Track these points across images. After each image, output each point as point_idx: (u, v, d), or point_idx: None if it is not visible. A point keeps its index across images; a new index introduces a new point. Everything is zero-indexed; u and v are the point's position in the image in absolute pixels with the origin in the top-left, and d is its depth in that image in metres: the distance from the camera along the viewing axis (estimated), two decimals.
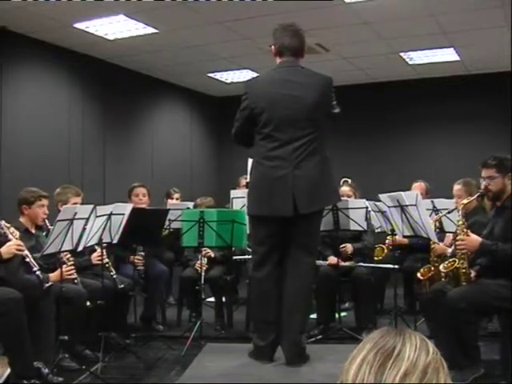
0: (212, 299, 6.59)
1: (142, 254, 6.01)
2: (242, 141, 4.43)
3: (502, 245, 4.14)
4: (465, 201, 4.56)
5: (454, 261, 4.47)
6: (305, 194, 4.06)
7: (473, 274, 4.40)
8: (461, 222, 4.38)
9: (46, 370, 4.28)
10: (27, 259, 4.34)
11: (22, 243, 4.33)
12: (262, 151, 4.18)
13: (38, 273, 4.31)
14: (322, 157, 4.18)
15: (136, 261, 5.95)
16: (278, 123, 4.10)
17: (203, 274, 5.77)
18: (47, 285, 4.32)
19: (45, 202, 5.00)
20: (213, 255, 6.16)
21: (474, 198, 4.57)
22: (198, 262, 5.94)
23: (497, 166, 4.29)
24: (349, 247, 5.99)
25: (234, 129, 4.37)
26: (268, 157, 4.13)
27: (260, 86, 4.27)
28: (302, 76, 4.22)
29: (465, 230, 4.33)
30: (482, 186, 4.39)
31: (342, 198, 6.08)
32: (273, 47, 4.29)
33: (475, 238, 4.26)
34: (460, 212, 4.46)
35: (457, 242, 4.38)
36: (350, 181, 6.93)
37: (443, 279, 4.58)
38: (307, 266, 4.25)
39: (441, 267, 4.66)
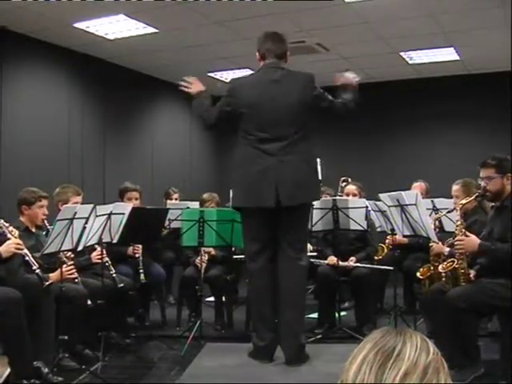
0: (212, 299, 6.59)
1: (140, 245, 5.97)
2: (212, 125, 4.55)
3: (501, 245, 4.14)
4: (463, 201, 4.56)
5: (453, 261, 4.48)
6: (288, 186, 4.10)
7: (472, 274, 4.40)
8: (459, 223, 4.37)
9: (46, 370, 4.28)
10: (27, 258, 4.33)
11: (21, 242, 4.33)
12: (246, 149, 4.24)
13: (37, 271, 4.30)
14: (308, 154, 4.27)
15: (135, 250, 5.92)
16: (262, 123, 4.18)
17: (203, 271, 5.76)
18: (47, 283, 4.31)
19: (44, 202, 4.99)
20: (214, 253, 6.16)
21: (472, 198, 4.56)
22: (198, 258, 5.93)
23: (496, 166, 4.29)
24: (353, 260, 5.97)
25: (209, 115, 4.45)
26: (252, 154, 4.19)
27: (245, 86, 4.34)
28: (284, 76, 4.28)
29: (463, 230, 4.33)
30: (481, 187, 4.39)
31: (347, 197, 6.11)
32: (257, 53, 4.41)
33: (473, 239, 4.26)
34: (458, 212, 4.45)
35: (455, 243, 4.38)
36: (350, 179, 6.92)
37: (443, 279, 4.57)
38: (297, 262, 4.25)
39: (440, 268, 4.66)
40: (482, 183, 4.36)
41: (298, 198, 4.15)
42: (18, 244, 4.29)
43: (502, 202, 4.32)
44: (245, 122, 4.24)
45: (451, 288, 4.39)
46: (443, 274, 4.58)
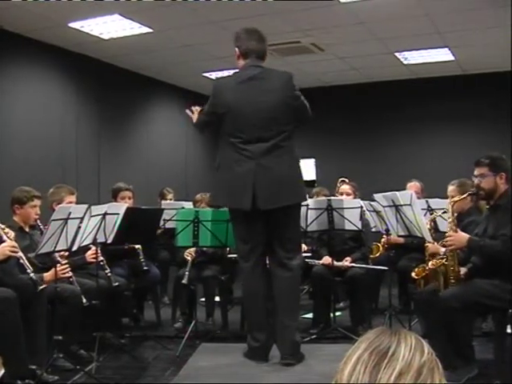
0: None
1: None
2: (203, 130, 4.81)
3: (490, 241, 4.16)
4: (456, 198, 4.58)
5: (443, 258, 4.50)
6: (265, 190, 4.09)
7: (462, 271, 4.42)
8: (450, 220, 4.39)
9: (40, 372, 4.26)
10: (21, 261, 4.31)
11: (16, 245, 4.30)
12: (228, 151, 4.22)
13: (31, 275, 4.29)
14: (290, 156, 4.23)
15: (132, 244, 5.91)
16: (243, 124, 4.16)
17: (190, 263, 5.73)
18: (41, 287, 4.29)
19: (37, 202, 4.96)
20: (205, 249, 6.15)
21: (464, 196, 4.60)
22: (187, 251, 5.91)
23: (489, 164, 4.30)
24: (349, 260, 5.97)
25: (199, 122, 4.59)
26: (234, 156, 4.18)
27: (226, 87, 4.31)
28: (265, 76, 4.25)
29: (454, 227, 4.35)
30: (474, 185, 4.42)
31: (341, 197, 6.12)
32: (236, 49, 4.34)
33: (463, 235, 4.29)
34: (450, 209, 4.47)
35: (446, 239, 4.40)
36: (347, 181, 6.92)
37: (441, 276, 4.59)
38: (289, 261, 4.24)
39: (429, 264, 4.67)
40: (476, 181, 4.38)
41: (275, 202, 4.11)
42: (13, 247, 4.27)
43: (496, 201, 4.34)
44: (226, 123, 4.21)
45: (441, 285, 4.42)
46: (432, 270, 4.60)
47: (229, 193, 4.21)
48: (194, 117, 4.73)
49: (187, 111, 4.83)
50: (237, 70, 4.39)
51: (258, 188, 4.08)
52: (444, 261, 4.47)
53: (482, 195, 4.45)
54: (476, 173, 4.38)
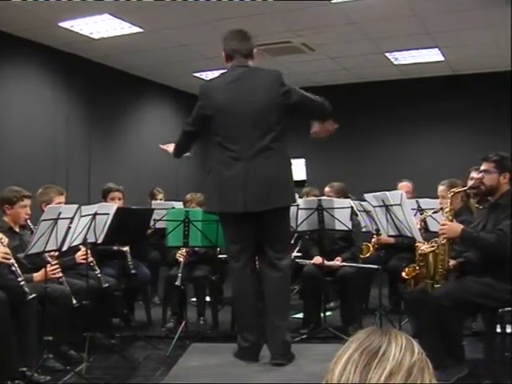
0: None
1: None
2: (186, 148, 4.67)
3: (484, 234, 4.18)
4: (454, 189, 4.61)
5: (434, 246, 4.52)
6: (254, 192, 4.07)
7: (451, 262, 4.44)
8: (448, 209, 4.41)
9: (30, 373, 4.24)
10: (13, 268, 4.28)
11: (9, 251, 4.27)
12: (217, 153, 4.20)
13: (22, 283, 4.26)
14: (280, 157, 4.20)
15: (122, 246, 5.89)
16: (231, 126, 4.13)
17: (182, 264, 5.72)
18: (30, 297, 4.26)
19: (27, 202, 4.93)
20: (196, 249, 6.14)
21: (466, 188, 4.67)
22: (179, 252, 5.90)
23: (496, 161, 4.31)
24: (339, 260, 5.98)
25: (180, 139, 4.57)
26: (223, 158, 4.16)
27: (214, 88, 4.29)
28: (253, 76, 4.24)
29: (450, 217, 4.37)
30: (473, 181, 4.43)
31: (326, 198, 6.12)
32: (223, 53, 4.34)
33: (457, 225, 4.31)
34: (450, 200, 4.48)
35: (439, 227, 4.41)
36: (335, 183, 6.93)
37: (430, 262, 4.60)
38: (278, 262, 4.23)
39: (419, 250, 4.68)
40: (480, 175, 4.40)
41: (265, 204, 4.09)
42: (6, 253, 4.25)
43: (496, 200, 4.35)
44: (216, 124, 4.18)
45: (430, 272, 4.44)
46: (420, 258, 4.62)
47: (220, 196, 4.18)
48: (170, 148, 4.74)
49: (160, 146, 4.90)
50: (224, 71, 4.38)
51: (248, 190, 4.06)
52: (435, 248, 4.48)
53: (481, 190, 4.45)
54: (482, 167, 4.40)
